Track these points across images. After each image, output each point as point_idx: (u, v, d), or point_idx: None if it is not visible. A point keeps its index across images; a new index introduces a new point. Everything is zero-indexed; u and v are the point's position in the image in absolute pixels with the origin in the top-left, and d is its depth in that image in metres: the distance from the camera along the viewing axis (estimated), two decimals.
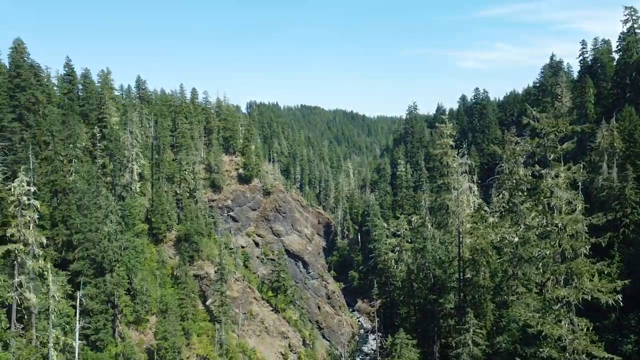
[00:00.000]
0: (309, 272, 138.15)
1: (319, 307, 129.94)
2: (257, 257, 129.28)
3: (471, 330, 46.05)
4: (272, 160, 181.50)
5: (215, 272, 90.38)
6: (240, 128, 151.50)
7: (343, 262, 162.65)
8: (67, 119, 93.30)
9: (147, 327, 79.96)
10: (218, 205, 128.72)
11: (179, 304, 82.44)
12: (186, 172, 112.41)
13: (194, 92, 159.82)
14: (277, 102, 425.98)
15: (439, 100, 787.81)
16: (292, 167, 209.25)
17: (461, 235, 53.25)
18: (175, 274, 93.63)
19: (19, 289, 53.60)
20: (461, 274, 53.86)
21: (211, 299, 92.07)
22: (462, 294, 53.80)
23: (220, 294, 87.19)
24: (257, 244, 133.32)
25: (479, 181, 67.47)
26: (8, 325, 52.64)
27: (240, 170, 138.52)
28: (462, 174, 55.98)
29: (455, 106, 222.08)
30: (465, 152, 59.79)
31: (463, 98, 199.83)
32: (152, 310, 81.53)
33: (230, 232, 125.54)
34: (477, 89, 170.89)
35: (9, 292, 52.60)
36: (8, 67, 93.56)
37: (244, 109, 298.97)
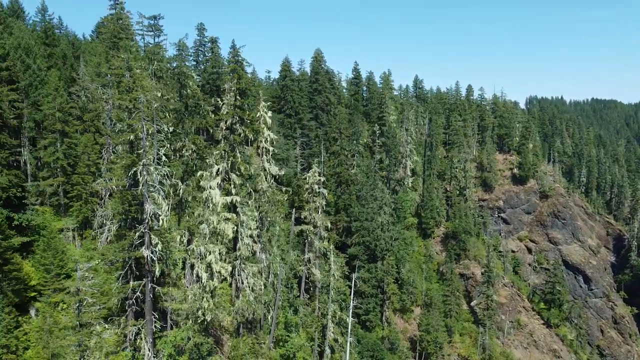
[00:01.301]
0: (591, 289, 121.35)
1: (601, 331, 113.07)
2: (529, 265, 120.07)
3: None
4: (552, 160, 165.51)
5: (482, 273, 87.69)
6: (517, 125, 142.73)
7: (637, 284, 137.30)
8: (353, 118, 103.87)
9: (412, 317, 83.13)
10: (488, 205, 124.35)
11: (443, 300, 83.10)
12: (457, 170, 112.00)
13: (469, 89, 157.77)
14: (561, 97, 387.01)
15: None
16: (577, 168, 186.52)
17: None
18: (441, 270, 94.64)
19: (307, 264, 62.52)
20: None
21: (476, 301, 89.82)
22: None
23: (486, 297, 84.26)
24: (529, 250, 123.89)
25: None
26: (298, 294, 61.94)
27: (515, 170, 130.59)
28: None
29: None
30: None
31: None
32: (417, 302, 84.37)
33: (500, 234, 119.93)
34: None
35: (300, 266, 61.82)
36: (309, 74, 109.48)
37: (522, 105, 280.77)
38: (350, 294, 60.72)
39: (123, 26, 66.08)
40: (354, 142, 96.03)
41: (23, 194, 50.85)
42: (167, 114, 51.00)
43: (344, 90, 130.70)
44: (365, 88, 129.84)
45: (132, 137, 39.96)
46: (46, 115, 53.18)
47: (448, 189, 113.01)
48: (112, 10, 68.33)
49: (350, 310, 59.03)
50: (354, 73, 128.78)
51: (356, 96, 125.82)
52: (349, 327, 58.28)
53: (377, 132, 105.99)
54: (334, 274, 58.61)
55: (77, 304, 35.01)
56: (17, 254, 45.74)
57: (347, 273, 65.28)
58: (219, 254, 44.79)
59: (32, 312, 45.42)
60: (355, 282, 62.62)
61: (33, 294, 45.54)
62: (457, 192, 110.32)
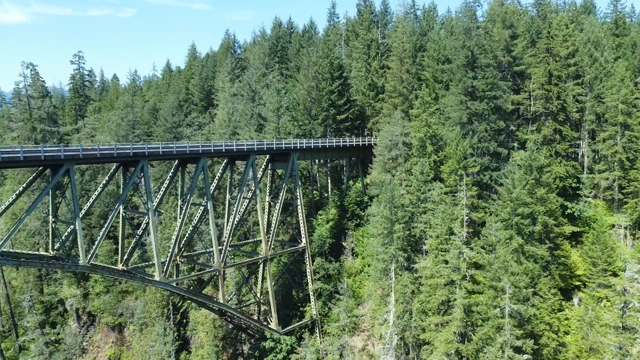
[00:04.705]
0: None
1: None
2: None
3: None
4: None
5: None
6: None
7: None
8: None
9: None
10: None
11: None
12: None
13: None
14: None
15: None
16: None
17: None
18: None
19: None
20: None
21: None
22: None
23: None
24: None
25: None
26: None
27: None
28: None
29: None
30: None
31: None
32: None
33: None
34: None
35: None
36: None
37: None
38: None
39: None
40: None
41: (577, 185, 52.24)
42: None
43: None
44: None
45: None
46: (608, 107, 52.22)
47: None
48: None
49: None
50: None
51: None
52: None
53: None
54: None
55: (622, 305, 33.11)
56: (567, 241, 47.68)
57: None
58: None
59: (575, 300, 46.46)
60: None
61: (577, 283, 46.47)
62: None
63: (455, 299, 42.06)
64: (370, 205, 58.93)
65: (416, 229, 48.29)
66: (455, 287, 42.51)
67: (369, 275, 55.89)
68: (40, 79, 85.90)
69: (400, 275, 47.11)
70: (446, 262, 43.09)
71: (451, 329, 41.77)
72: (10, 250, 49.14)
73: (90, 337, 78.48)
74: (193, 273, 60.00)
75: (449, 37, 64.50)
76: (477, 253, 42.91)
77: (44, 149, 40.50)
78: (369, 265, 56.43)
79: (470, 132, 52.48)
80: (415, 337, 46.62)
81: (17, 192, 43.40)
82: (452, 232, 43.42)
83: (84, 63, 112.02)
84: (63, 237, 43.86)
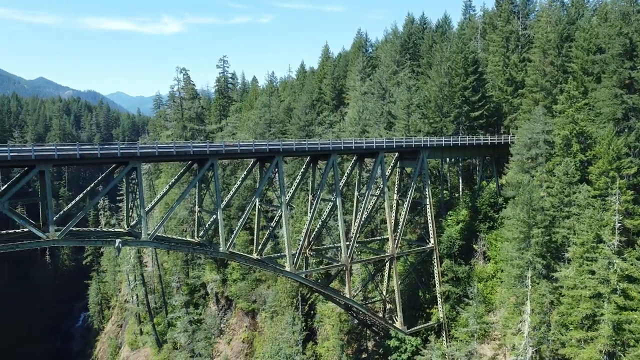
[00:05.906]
0: None
1: None
2: None
3: None
4: None
5: None
6: None
7: None
8: None
9: None
10: None
11: None
12: None
13: None
14: None
15: None
16: None
17: None
18: None
19: None
20: None
21: None
22: None
23: None
24: None
25: None
26: None
27: None
28: None
29: None
30: None
31: None
32: None
33: None
34: None
35: None
36: None
37: None
38: None
39: None
40: None
41: None
42: None
43: None
44: None
45: None
46: None
47: None
48: None
49: None
50: None
51: None
52: None
53: None
54: None
55: None
56: None
57: None
58: None
59: None
60: None
61: None
62: None
63: (602, 314, 37.87)
64: (504, 208, 55.46)
65: (557, 235, 44.37)
66: (603, 301, 38.25)
67: (501, 281, 52.66)
68: (191, 82, 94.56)
69: (538, 284, 43.64)
70: (592, 272, 38.95)
71: (597, 347, 37.71)
72: (163, 235, 54.92)
73: (227, 320, 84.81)
74: (321, 266, 61.75)
75: (602, 25, 58.13)
76: (631, 265, 38.14)
77: (193, 145, 44.64)
78: (502, 271, 53.16)
79: (625, 130, 46.76)
80: (553, 352, 42.87)
81: (169, 183, 48.41)
82: (600, 240, 39.13)
83: (227, 67, 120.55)
84: (206, 226, 47.89)
